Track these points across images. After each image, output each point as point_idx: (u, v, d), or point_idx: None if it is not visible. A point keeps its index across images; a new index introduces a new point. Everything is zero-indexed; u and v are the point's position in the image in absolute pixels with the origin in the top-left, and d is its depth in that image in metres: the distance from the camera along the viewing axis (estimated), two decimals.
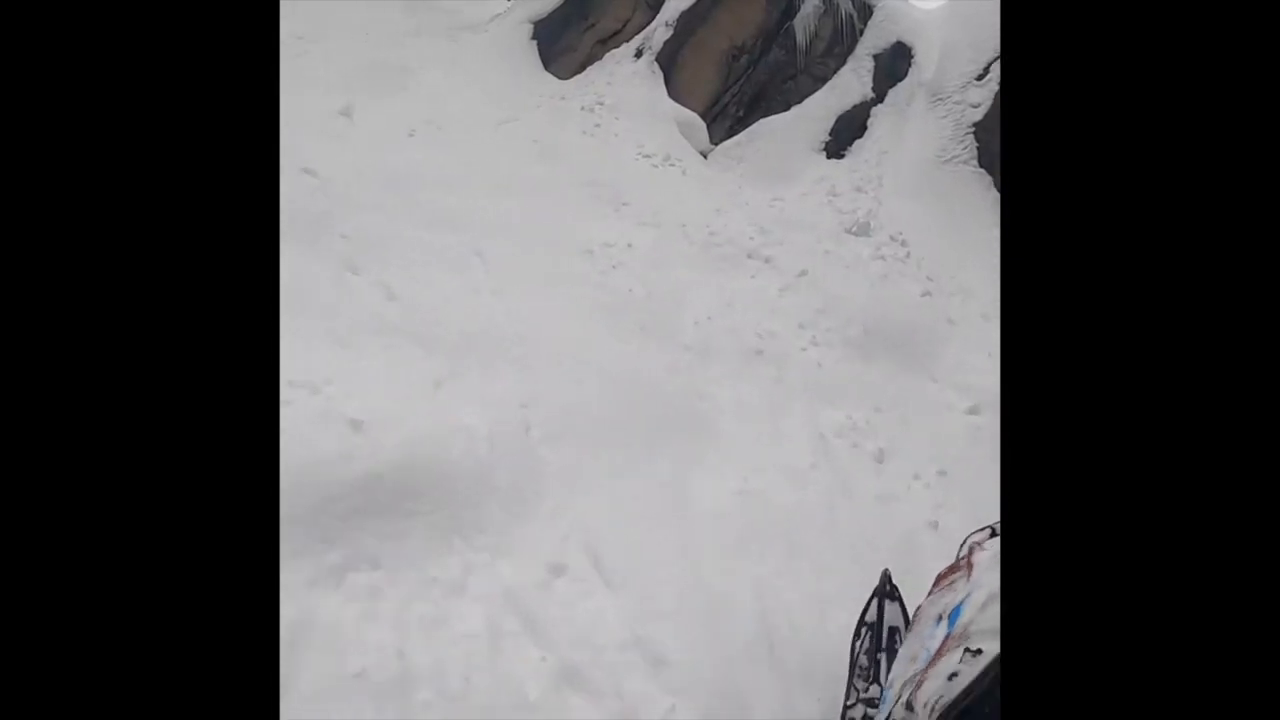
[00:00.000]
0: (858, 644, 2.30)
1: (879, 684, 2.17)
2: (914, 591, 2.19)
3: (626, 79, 9.78)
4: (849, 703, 2.23)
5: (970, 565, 1.38)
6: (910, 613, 2.21)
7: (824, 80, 10.22)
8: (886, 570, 2.52)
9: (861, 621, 2.37)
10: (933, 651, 1.20)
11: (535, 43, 10.26)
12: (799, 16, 10.31)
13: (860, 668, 2.28)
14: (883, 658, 2.22)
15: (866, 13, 10.53)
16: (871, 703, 2.15)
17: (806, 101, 10.02)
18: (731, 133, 10.01)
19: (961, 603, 1.25)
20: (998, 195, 8.37)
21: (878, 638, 2.29)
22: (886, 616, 2.31)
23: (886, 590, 2.39)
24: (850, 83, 10.10)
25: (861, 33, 10.45)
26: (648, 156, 8.69)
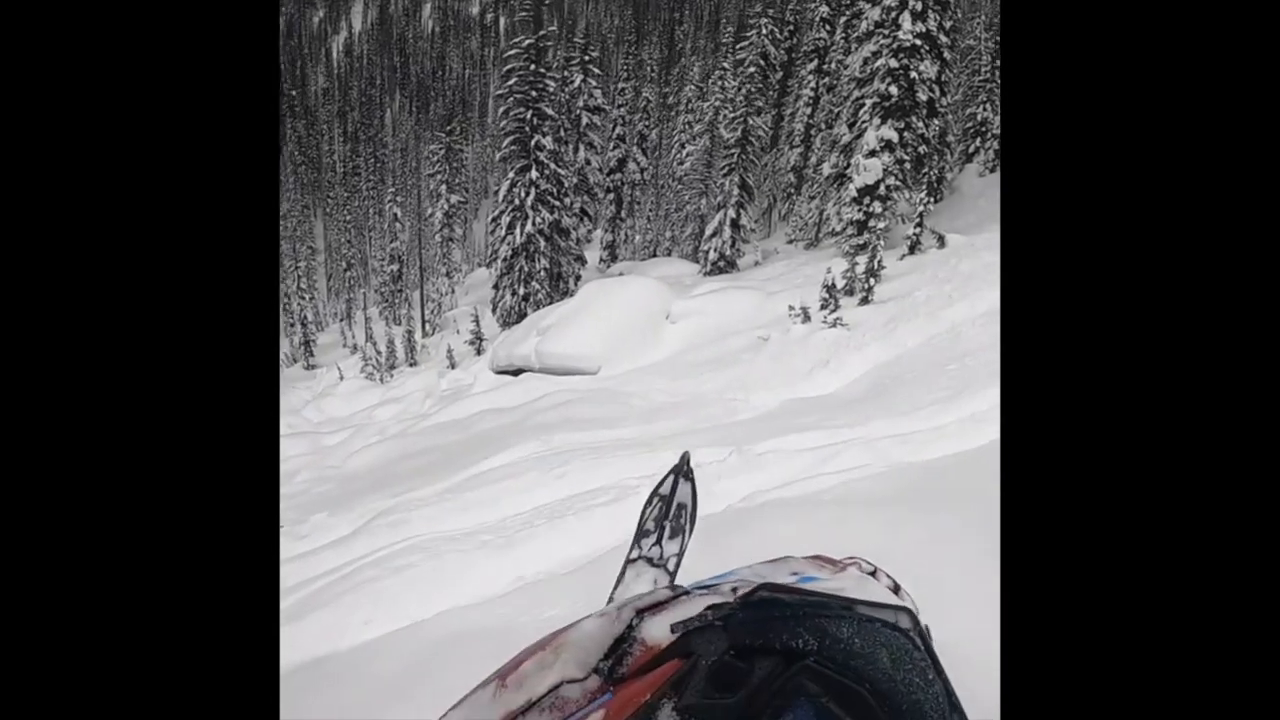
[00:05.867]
0: (648, 509, 2.39)
1: (659, 546, 2.28)
2: None
3: None
4: (631, 556, 2.32)
5: (842, 567, 1.29)
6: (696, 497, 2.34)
7: None
8: (687, 453, 2.43)
9: (655, 492, 2.42)
10: (773, 579, 1.14)
11: None
12: None
13: (645, 530, 2.35)
14: (667, 525, 2.31)
15: None
16: (651, 561, 2.26)
17: None
18: None
19: (816, 577, 1.20)
20: None
21: (666, 509, 2.36)
22: (678, 494, 2.36)
23: (684, 471, 2.38)
24: None
25: None
26: None
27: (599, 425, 8.23)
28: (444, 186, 34.37)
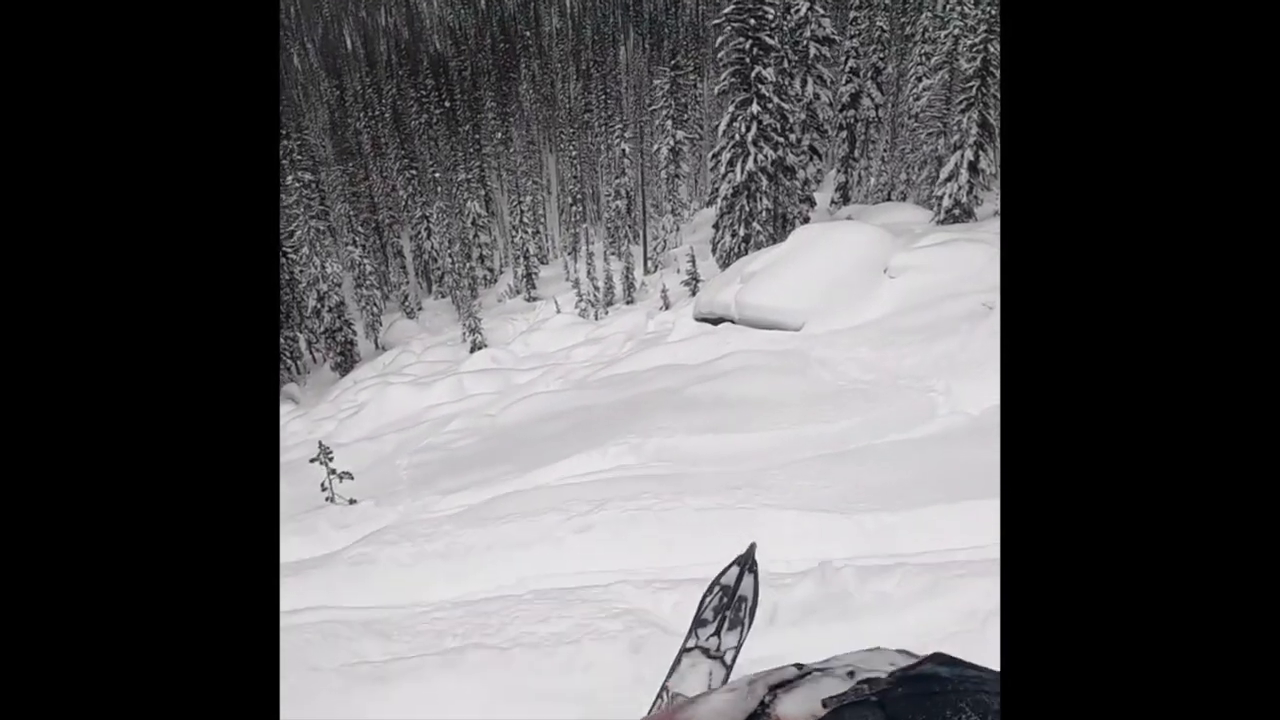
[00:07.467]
0: (708, 598, 2.38)
1: (718, 637, 2.25)
2: None
3: None
4: (687, 645, 2.27)
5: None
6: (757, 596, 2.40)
7: None
8: (754, 544, 2.44)
9: (717, 581, 2.42)
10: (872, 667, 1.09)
11: None
12: None
13: (703, 619, 2.32)
14: (726, 616, 2.28)
15: None
16: (708, 652, 2.22)
17: None
18: None
19: None
20: None
21: (728, 599, 2.33)
22: (741, 587, 2.35)
23: (749, 563, 2.41)
24: None
25: None
26: None
27: (729, 425, 7.51)
28: (669, 122, 33.81)
